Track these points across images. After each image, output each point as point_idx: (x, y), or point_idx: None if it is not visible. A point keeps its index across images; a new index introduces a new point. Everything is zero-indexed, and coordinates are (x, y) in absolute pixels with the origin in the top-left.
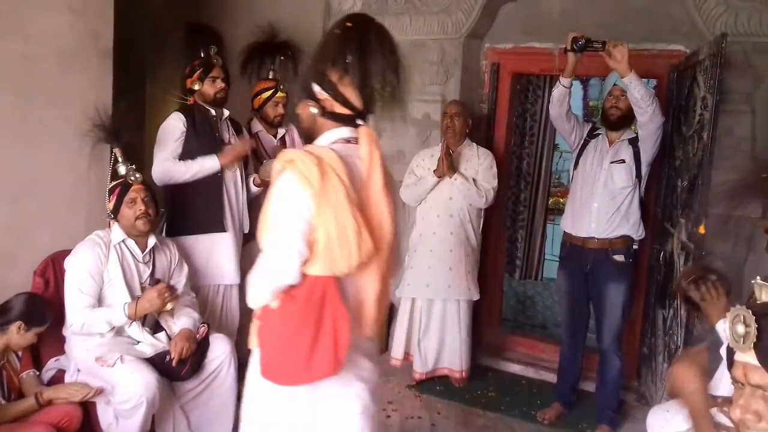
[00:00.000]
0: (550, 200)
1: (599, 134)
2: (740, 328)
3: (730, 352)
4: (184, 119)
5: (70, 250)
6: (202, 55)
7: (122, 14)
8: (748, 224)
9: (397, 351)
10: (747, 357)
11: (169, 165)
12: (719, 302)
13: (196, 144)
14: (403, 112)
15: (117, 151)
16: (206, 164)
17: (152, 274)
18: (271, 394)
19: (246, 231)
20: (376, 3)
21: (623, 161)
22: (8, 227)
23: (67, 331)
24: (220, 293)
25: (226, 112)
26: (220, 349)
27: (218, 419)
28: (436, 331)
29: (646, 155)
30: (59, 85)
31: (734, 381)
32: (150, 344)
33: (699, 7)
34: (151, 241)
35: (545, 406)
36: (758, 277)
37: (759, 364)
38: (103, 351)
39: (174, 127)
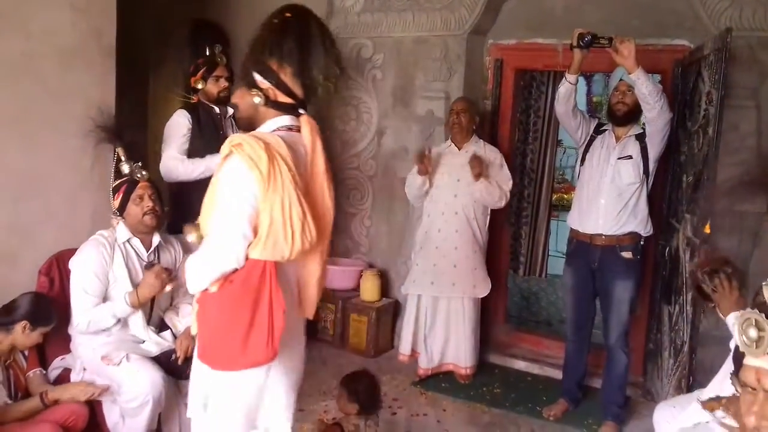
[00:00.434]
0: (554, 196)
1: (606, 130)
2: (752, 332)
3: (739, 356)
4: (189, 116)
5: (75, 249)
6: (207, 53)
7: (125, 11)
8: (754, 219)
9: (404, 347)
10: (760, 362)
11: (177, 163)
12: (731, 295)
13: (201, 142)
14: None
15: (119, 150)
16: (212, 163)
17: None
18: (209, 377)
19: None
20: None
21: (630, 157)
22: (11, 226)
23: (72, 330)
24: None
25: (231, 110)
26: None
27: None
28: (441, 328)
29: (654, 151)
30: (62, 83)
31: (743, 385)
32: (155, 343)
33: (703, 2)
34: (156, 239)
35: (551, 402)
36: None
37: None
38: (108, 349)
39: (180, 123)
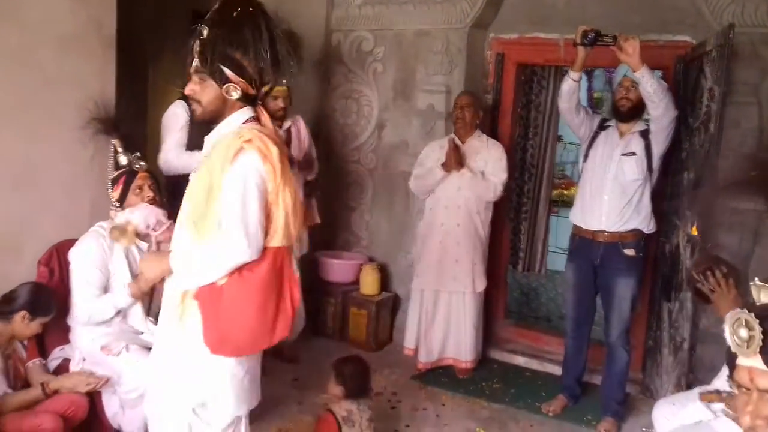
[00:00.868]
0: (554, 192)
1: (609, 126)
2: (743, 332)
3: (731, 356)
4: (187, 107)
5: (75, 240)
6: None
7: (124, 2)
8: (755, 217)
9: (409, 341)
10: (752, 361)
11: (175, 155)
12: (729, 294)
13: (199, 134)
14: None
15: (116, 142)
16: None
17: None
18: (209, 376)
19: None
20: None
21: (634, 153)
22: (10, 216)
23: (71, 321)
24: None
25: None
26: None
27: None
28: (441, 322)
29: (658, 148)
30: (61, 73)
31: (737, 385)
32: (154, 334)
33: None
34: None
35: (550, 398)
36: (756, 279)
37: (767, 368)
38: (108, 340)
39: (177, 115)
